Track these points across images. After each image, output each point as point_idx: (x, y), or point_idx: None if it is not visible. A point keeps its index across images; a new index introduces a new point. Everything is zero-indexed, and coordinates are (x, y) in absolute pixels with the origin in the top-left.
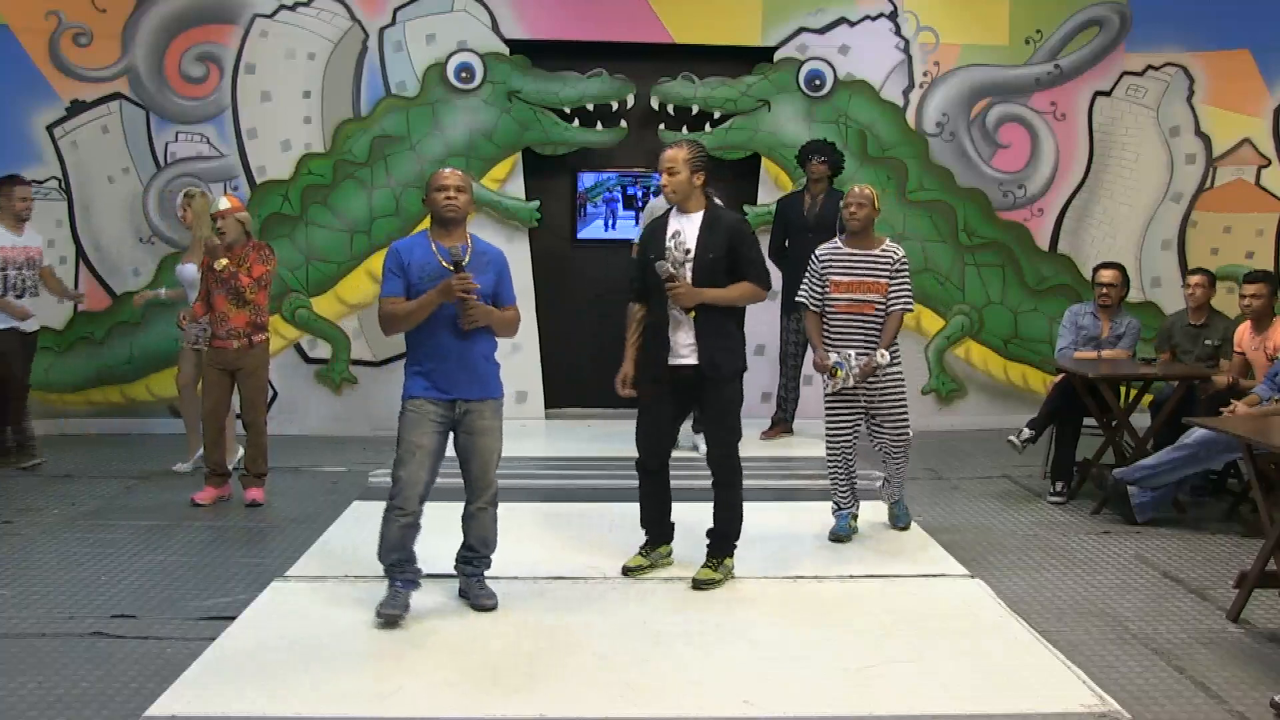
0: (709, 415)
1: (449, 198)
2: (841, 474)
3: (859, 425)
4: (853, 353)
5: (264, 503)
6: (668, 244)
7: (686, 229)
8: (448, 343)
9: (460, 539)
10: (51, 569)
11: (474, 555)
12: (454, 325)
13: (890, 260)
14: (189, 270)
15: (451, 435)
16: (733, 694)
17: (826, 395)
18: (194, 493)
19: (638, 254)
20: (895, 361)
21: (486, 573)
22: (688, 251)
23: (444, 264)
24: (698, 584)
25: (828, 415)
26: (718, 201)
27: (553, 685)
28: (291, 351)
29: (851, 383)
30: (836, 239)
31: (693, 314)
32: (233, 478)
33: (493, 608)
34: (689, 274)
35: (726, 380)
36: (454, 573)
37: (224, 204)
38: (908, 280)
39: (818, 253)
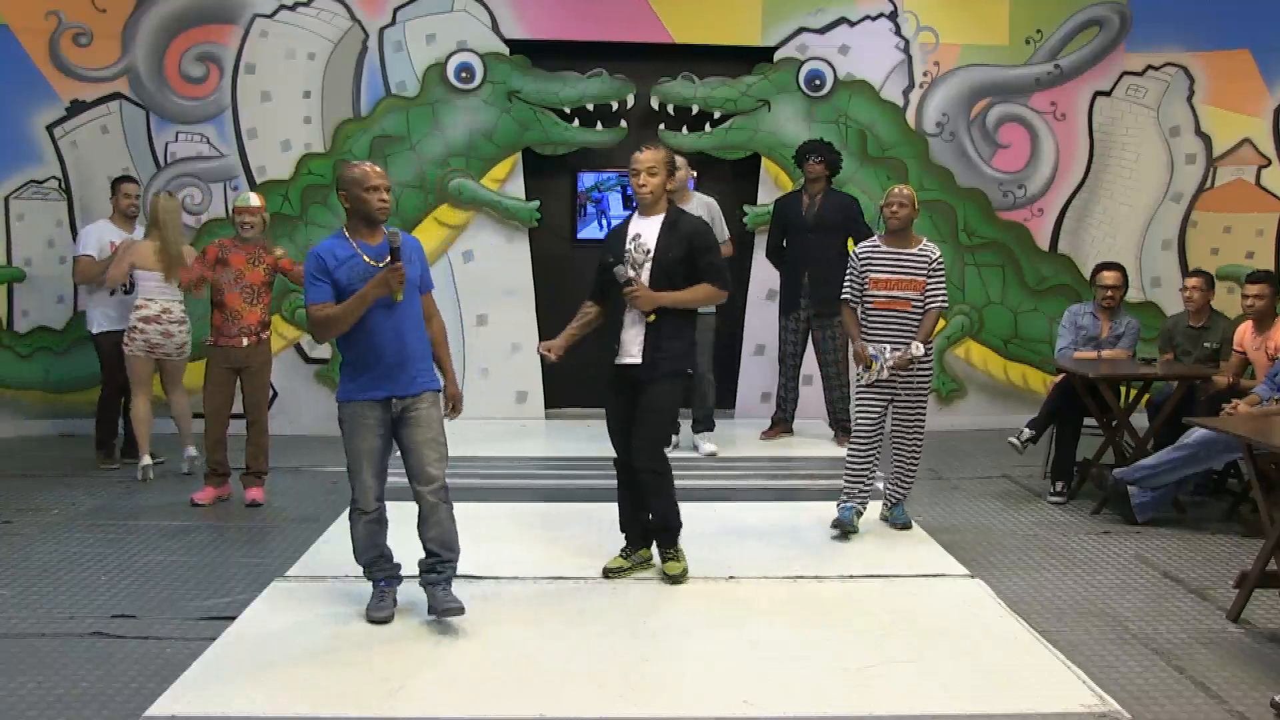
0: (640, 409)
1: (383, 200)
2: (861, 465)
3: (884, 420)
4: (887, 346)
5: (264, 503)
6: (628, 247)
7: (646, 231)
8: (381, 343)
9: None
10: (51, 569)
11: (437, 561)
12: (387, 325)
13: (928, 259)
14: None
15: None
16: (733, 694)
17: (860, 386)
18: (194, 492)
19: (600, 258)
20: (928, 358)
21: (456, 578)
22: (648, 252)
23: (370, 261)
24: (673, 579)
25: (857, 406)
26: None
27: (552, 685)
28: (291, 351)
29: (885, 375)
30: (875, 237)
31: (651, 317)
32: (232, 477)
33: (459, 611)
34: (647, 275)
35: (661, 379)
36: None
37: (254, 200)
38: (944, 279)
39: (857, 251)
